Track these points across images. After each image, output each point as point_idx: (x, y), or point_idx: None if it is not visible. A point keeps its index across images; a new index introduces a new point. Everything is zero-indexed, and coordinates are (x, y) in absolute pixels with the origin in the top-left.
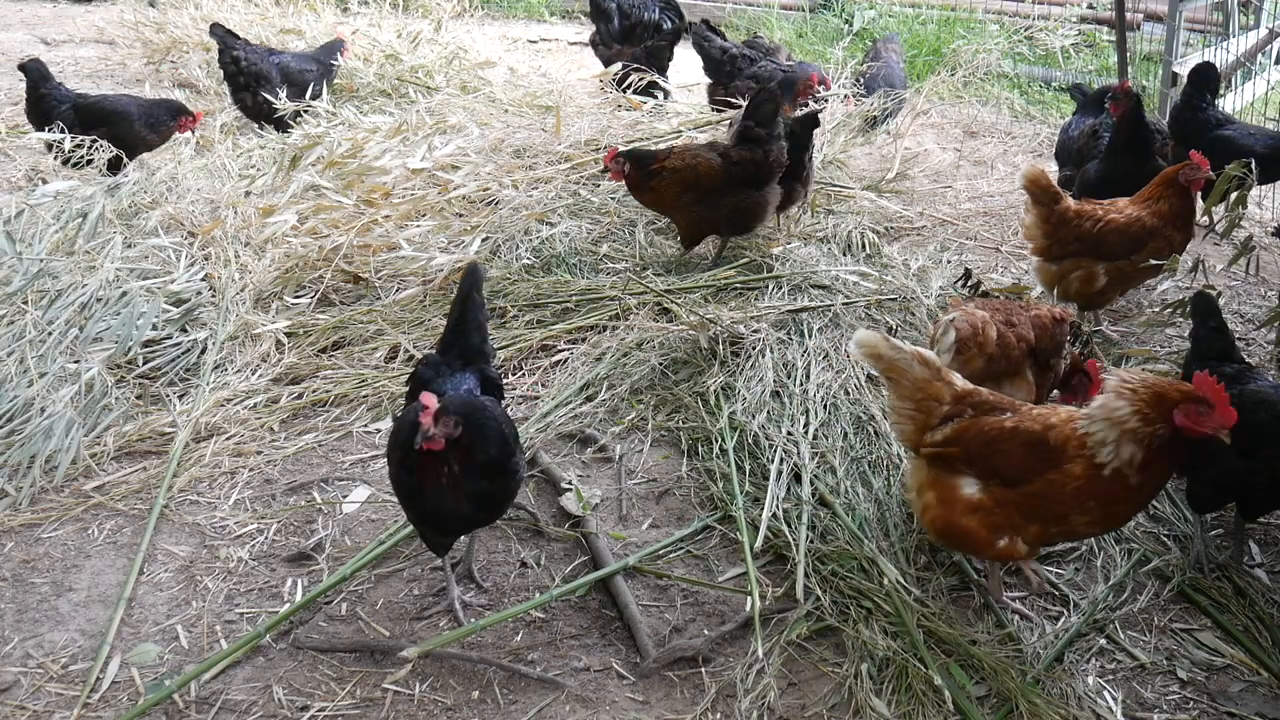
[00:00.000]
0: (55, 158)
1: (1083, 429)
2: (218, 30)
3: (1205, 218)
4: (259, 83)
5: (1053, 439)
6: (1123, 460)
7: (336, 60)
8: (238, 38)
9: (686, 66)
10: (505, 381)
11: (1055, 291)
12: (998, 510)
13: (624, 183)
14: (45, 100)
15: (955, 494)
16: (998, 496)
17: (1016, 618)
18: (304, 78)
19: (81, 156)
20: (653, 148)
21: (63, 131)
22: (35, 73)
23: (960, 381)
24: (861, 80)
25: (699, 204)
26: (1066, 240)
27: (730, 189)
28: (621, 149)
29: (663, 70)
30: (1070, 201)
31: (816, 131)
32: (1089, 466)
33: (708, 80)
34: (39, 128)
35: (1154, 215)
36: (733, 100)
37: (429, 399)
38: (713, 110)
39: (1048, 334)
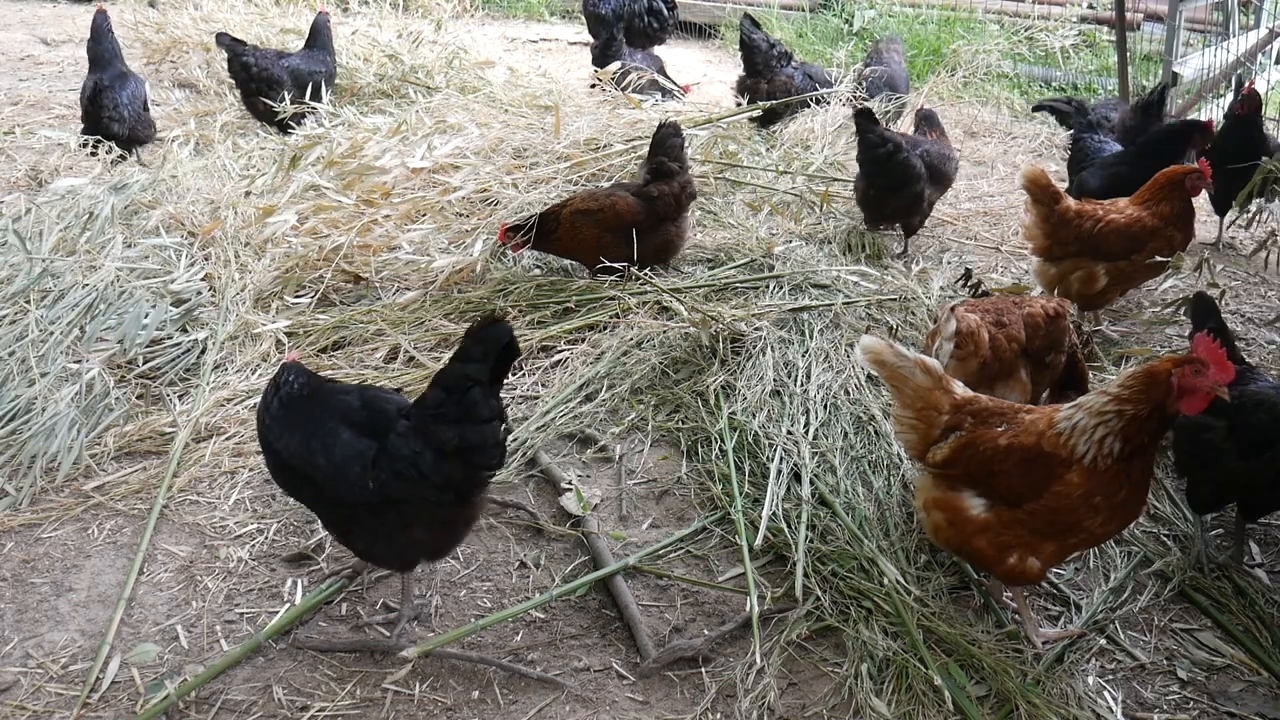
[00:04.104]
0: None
1: (1059, 428)
2: (224, 39)
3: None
4: (271, 87)
5: (1046, 445)
6: (1103, 452)
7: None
8: (244, 43)
9: (687, 66)
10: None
11: (1056, 292)
12: (1006, 530)
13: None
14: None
15: (963, 515)
16: (1004, 516)
17: (1016, 617)
18: (314, 79)
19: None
20: (538, 210)
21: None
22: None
23: (960, 389)
24: (865, 83)
25: (617, 243)
26: (1067, 240)
27: (652, 226)
28: (509, 225)
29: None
30: (1070, 201)
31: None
32: (1081, 468)
33: (741, 73)
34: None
35: (1154, 216)
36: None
37: None
38: (736, 105)
39: (1040, 332)
